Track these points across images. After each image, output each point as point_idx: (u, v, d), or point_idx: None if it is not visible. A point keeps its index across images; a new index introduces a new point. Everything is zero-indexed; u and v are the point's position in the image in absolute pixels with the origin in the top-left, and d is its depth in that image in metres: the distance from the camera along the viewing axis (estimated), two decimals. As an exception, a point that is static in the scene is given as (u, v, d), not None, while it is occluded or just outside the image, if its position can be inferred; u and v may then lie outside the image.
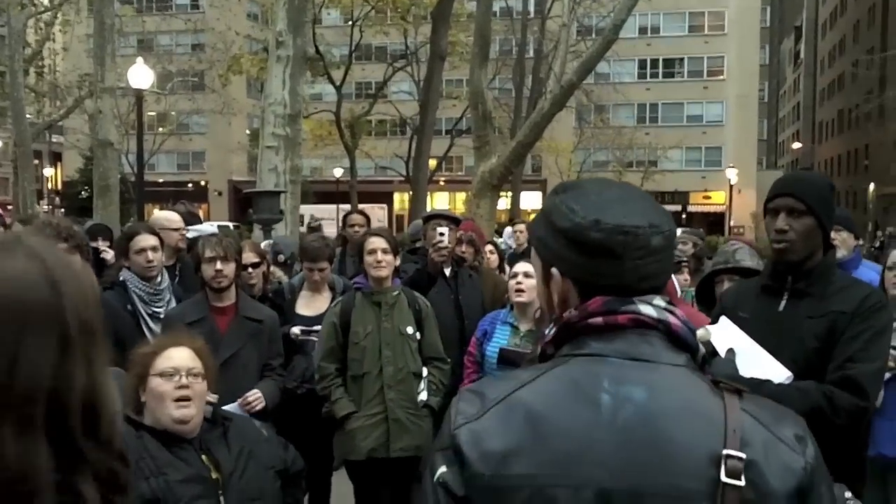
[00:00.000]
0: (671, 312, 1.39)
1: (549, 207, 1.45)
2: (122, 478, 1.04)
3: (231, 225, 34.97)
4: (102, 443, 1.02)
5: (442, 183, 47.51)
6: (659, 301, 1.39)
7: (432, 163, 34.20)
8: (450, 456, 1.33)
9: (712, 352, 2.57)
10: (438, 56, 25.21)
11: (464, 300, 5.26)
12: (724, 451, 1.25)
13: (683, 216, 46.07)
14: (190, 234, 5.75)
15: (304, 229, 14.72)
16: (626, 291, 1.37)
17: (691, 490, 1.25)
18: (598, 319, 1.36)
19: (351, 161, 35.56)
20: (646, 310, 1.37)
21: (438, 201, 48.90)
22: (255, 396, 4.13)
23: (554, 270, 1.42)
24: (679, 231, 5.10)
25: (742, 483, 1.24)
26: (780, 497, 1.26)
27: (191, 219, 7.34)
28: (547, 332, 1.44)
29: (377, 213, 35.89)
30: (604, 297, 1.37)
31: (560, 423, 1.29)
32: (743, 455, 1.25)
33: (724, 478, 1.24)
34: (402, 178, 32.86)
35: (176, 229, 5.40)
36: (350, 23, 33.64)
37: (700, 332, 1.43)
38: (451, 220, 5.54)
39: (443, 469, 1.33)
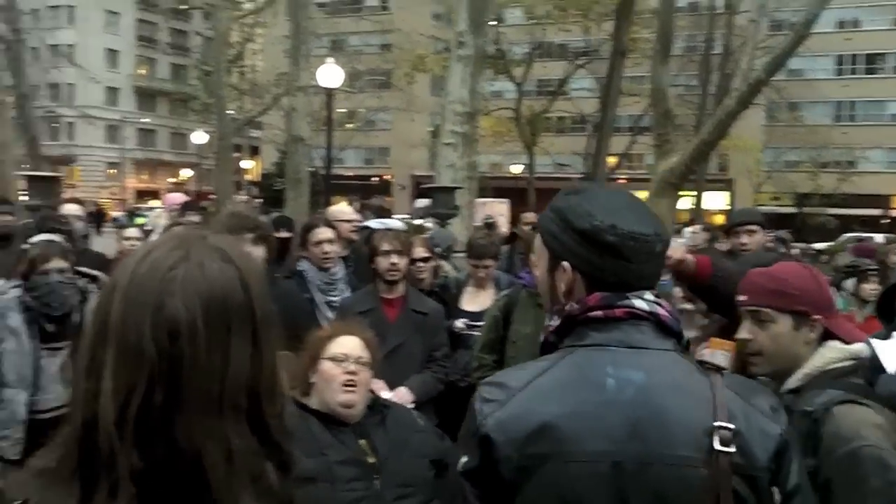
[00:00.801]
0: (659, 305, 1.60)
1: (563, 207, 1.65)
2: (292, 457, 1.15)
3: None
4: (280, 423, 1.12)
5: (622, 181, 46.81)
6: (649, 296, 1.60)
7: (612, 160, 33.75)
8: (473, 445, 1.51)
9: (878, 367, 2.47)
10: (620, 52, 24.85)
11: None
12: (715, 423, 1.47)
13: (884, 221, 43.23)
14: (379, 227, 6.00)
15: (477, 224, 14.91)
16: (625, 288, 1.59)
17: (690, 457, 1.46)
18: (599, 313, 1.57)
19: (530, 158, 35.62)
20: (639, 303, 1.58)
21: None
22: (401, 396, 4.16)
23: (565, 263, 1.62)
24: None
25: (732, 449, 1.46)
26: (762, 459, 1.49)
27: (381, 213, 7.66)
28: (550, 322, 1.66)
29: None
30: (601, 293, 1.58)
31: (574, 406, 1.49)
32: (731, 426, 1.47)
33: (717, 446, 1.45)
34: (581, 176, 32.67)
35: (349, 221, 5.67)
36: (532, 21, 33.71)
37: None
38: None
39: (465, 459, 1.52)
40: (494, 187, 37.77)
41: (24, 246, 4.20)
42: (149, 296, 1.04)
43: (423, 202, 11.34)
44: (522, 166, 41.14)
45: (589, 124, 37.11)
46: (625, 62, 25.66)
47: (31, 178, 14.15)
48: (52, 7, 59.99)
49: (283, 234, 6.02)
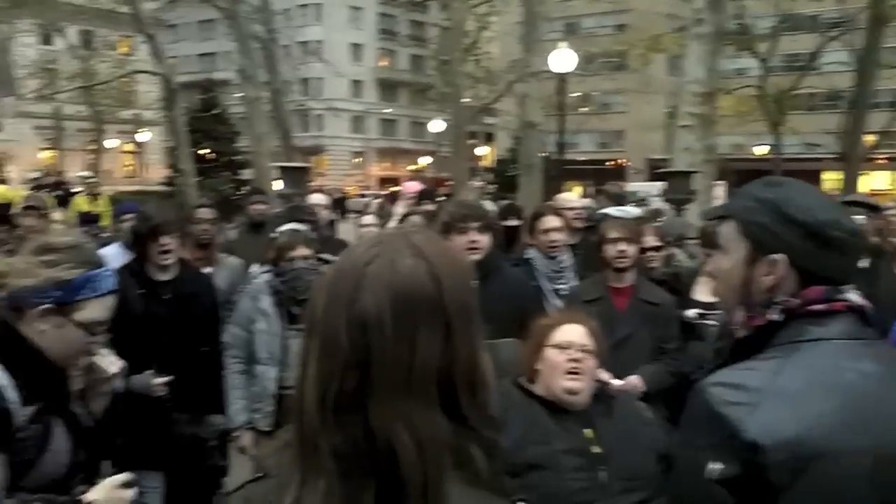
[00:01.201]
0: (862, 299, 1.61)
1: (776, 199, 1.63)
2: (497, 444, 1.17)
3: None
4: (481, 411, 1.16)
5: (882, 160, 43.32)
6: (853, 289, 1.62)
7: (869, 139, 31.32)
8: (733, 452, 1.47)
9: None
10: (879, 21, 22.96)
11: (884, 293, 4.84)
12: None
13: None
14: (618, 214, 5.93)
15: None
16: (835, 282, 1.60)
17: None
18: (821, 306, 1.57)
19: (776, 138, 33.79)
20: (852, 297, 1.59)
21: (876, 181, 44.69)
22: (632, 385, 4.15)
23: (777, 256, 1.60)
24: None
25: None
26: None
27: (620, 200, 7.57)
28: (740, 314, 1.62)
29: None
30: (820, 287, 1.58)
31: (831, 403, 1.49)
32: None
33: None
34: (835, 156, 30.59)
35: (575, 209, 5.64)
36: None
37: None
38: (870, 207, 5.12)
39: (721, 466, 1.48)
40: (736, 170, 36.21)
41: (273, 235, 4.53)
42: (345, 291, 1.13)
43: (652, 186, 11.08)
44: (767, 147, 39.10)
45: (843, 101, 34.61)
46: (884, 31, 23.70)
47: (284, 169, 15.18)
48: (301, 6, 63.91)
49: (512, 223, 6.09)
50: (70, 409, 2.35)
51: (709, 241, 4.90)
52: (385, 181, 67.44)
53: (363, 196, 34.59)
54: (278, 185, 17.58)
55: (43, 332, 2.20)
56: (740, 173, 36.78)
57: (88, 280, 2.25)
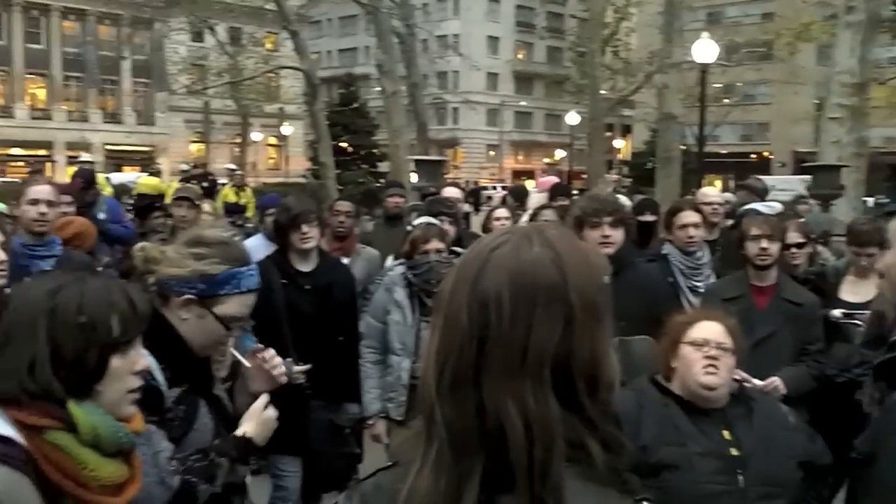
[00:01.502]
0: None
1: None
2: (618, 439, 1.17)
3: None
4: (601, 406, 1.16)
5: None
6: None
7: None
8: None
9: None
10: None
11: None
12: None
13: None
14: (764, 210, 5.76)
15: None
16: None
17: None
18: None
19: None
20: None
21: None
22: (773, 387, 4.03)
23: None
24: None
25: None
26: None
27: (762, 195, 7.32)
28: None
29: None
30: None
31: None
32: None
33: None
34: None
35: (715, 204, 5.50)
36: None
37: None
38: None
39: None
40: (890, 164, 34.35)
41: (408, 228, 4.61)
42: (470, 272, 1.17)
43: (796, 180, 10.65)
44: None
45: None
46: None
47: (419, 162, 15.40)
48: (440, 0, 64.55)
49: (648, 218, 5.98)
50: (213, 392, 2.46)
51: (857, 239, 4.68)
52: (519, 174, 67.38)
53: (485, 189, 34.66)
54: (414, 178, 17.86)
55: (185, 320, 2.31)
56: (894, 168, 34.96)
57: (232, 277, 2.34)
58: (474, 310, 1.14)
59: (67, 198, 5.75)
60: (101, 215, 7.14)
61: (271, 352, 2.54)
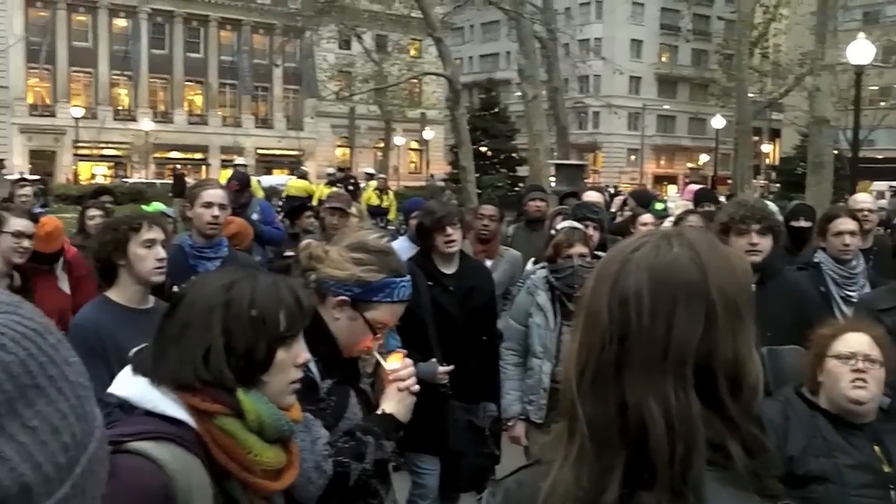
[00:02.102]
0: None
1: None
2: (761, 442, 1.17)
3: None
4: (743, 408, 1.17)
5: None
6: None
7: None
8: None
9: None
10: None
11: None
12: None
13: None
14: None
15: None
16: None
17: None
18: None
19: None
20: None
21: None
22: None
23: None
24: None
25: None
26: None
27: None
28: None
29: None
30: None
31: None
32: None
33: None
34: None
35: (867, 210, 5.29)
36: None
37: None
38: None
39: None
40: None
41: (551, 232, 4.64)
42: (611, 272, 1.20)
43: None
44: None
45: None
46: None
47: (559, 166, 15.38)
48: (583, 4, 64.09)
49: (802, 224, 5.80)
50: (360, 386, 2.58)
51: None
52: (661, 179, 66.12)
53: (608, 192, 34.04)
54: (552, 182, 17.84)
55: (337, 319, 2.44)
56: None
57: (387, 286, 2.45)
58: (615, 308, 1.17)
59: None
60: (255, 216, 7.43)
61: (408, 370, 2.55)
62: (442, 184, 11.78)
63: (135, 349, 1.84)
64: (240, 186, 7.90)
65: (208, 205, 4.38)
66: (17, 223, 4.30)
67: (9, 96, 46.99)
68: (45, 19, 47.49)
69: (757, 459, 1.15)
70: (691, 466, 1.10)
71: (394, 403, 2.44)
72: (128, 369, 1.77)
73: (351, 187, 17.47)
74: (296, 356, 1.85)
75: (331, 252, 2.47)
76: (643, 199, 8.89)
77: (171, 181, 34.21)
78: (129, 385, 1.72)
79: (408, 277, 2.55)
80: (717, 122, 42.54)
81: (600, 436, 1.14)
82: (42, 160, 48.04)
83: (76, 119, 45.15)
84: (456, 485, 4.64)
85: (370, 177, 21.60)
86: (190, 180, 37.94)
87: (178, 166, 36.02)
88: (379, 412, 2.44)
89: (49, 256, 4.81)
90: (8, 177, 27.00)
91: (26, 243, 4.30)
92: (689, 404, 1.12)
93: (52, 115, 49.19)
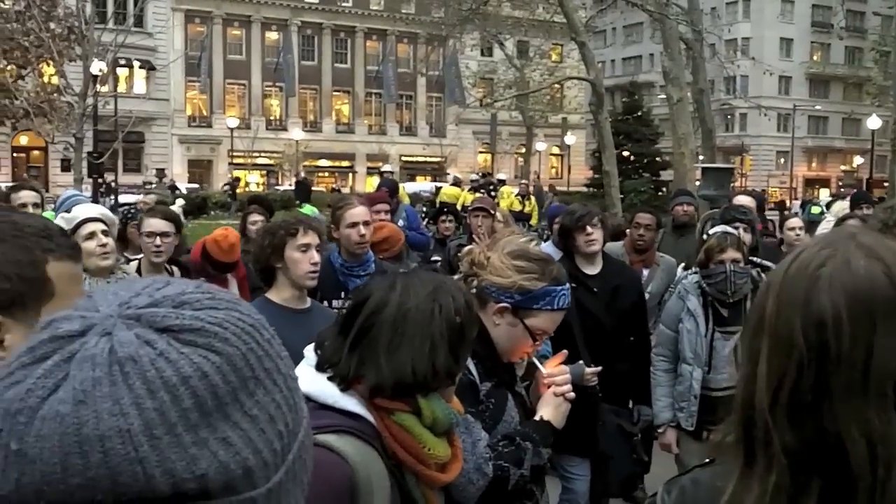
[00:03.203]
0: None
1: None
2: None
3: None
4: None
5: None
6: None
7: None
8: None
9: None
10: None
11: None
12: None
13: None
14: None
15: None
16: None
17: None
18: None
19: None
20: None
21: None
22: None
23: None
24: None
25: None
26: None
27: None
28: None
29: None
30: None
31: None
32: None
33: None
34: None
35: None
36: None
37: None
38: None
39: None
40: None
41: (703, 237, 4.60)
42: (798, 293, 1.14)
43: None
44: None
45: None
46: None
47: (706, 170, 15.06)
48: (730, 3, 62.30)
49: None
50: (516, 389, 2.64)
51: None
52: (812, 182, 63.43)
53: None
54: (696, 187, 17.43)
55: (497, 325, 2.49)
56: None
57: (548, 294, 2.49)
58: (810, 332, 1.12)
59: (384, 206, 6.20)
60: (401, 222, 7.57)
61: (564, 376, 2.61)
62: (392, 177, 11.60)
63: (308, 348, 1.94)
64: (389, 193, 8.14)
65: (353, 224, 4.39)
66: (152, 224, 4.63)
67: (170, 109, 49.68)
68: (203, 34, 49.93)
69: None
70: (891, 489, 1.07)
71: (551, 410, 2.48)
72: (304, 365, 1.87)
73: (493, 193, 17.70)
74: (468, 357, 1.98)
75: (492, 259, 2.53)
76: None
77: (320, 189, 35.47)
78: (310, 381, 1.80)
79: (568, 286, 2.58)
80: (873, 122, 40.44)
81: (795, 459, 1.12)
82: (199, 169, 50.57)
83: (231, 129, 47.13)
84: (604, 489, 4.60)
85: (502, 183, 21.78)
86: (323, 188, 39.19)
87: (303, 174, 37.14)
88: (537, 418, 2.48)
89: (228, 265, 5.10)
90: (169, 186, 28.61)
91: (158, 241, 4.58)
92: (891, 425, 1.08)
93: (209, 125, 51.60)
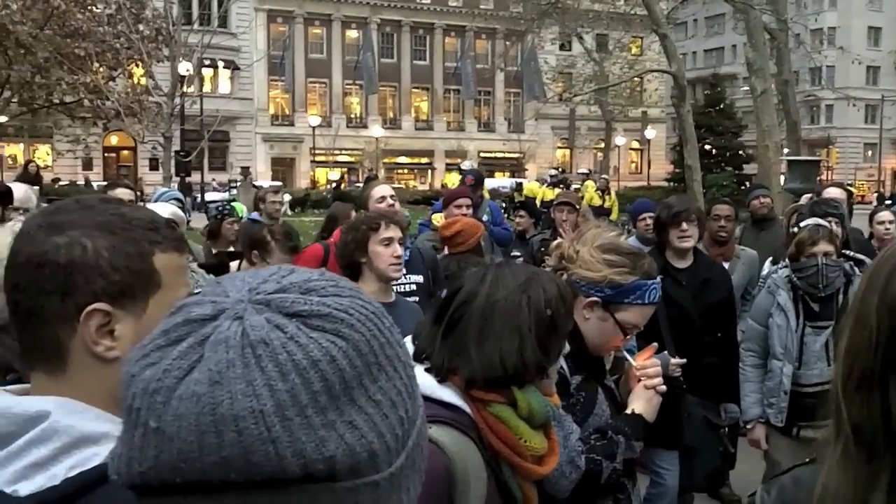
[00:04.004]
0: None
1: None
2: None
3: None
4: None
5: None
6: None
7: None
8: None
9: None
10: None
11: None
12: None
13: None
14: None
15: None
16: None
17: None
18: None
19: None
20: None
21: None
22: None
23: None
24: None
25: None
26: None
27: None
28: None
29: None
30: None
31: None
32: None
33: None
34: None
35: None
36: None
37: None
38: None
39: None
40: None
41: (794, 229, 4.50)
42: (882, 275, 1.17)
43: None
44: None
45: None
46: None
47: (792, 163, 14.72)
48: (817, -8, 60.72)
49: None
50: (606, 383, 2.63)
51: None
52: (902, 175, 61.27)
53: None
54: (783, 180, 17.05)
55: (587, 319, 2.49)
56: None
57: (639, 288, 2.49)
58: (883, 314, 1.14)
59: (466, 201, 6.21)
60: (485, 217, 7.55)
61: (655, 369, 2.60)
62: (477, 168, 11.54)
63: (406, 339, 1.92)
64: (475, 183, 8.10)
65: (381, 199, 4.71)
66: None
67: (253, 108, 50.66)
68: (285, 34, 50.79)
69: None
70: None
71: (642, 403, 2.47)
72: None
73: (562, 188, 17.65)
74: (565, 348, 1.97)
75: (582, 253, 2.52)
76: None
77: (401, 185, 35.73)
78: None
79: (658, 280, 2.57)
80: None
81: (865, 439, 1.13)
82: (282, 167, 51.50)
83: (313, 127, 47.85)
84: (690, 483, 4.56)
85: (586, 176, 21.64)
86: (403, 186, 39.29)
87: (377, 171, 37.68)
88: (628, 411, 2.47)
89: None
90: (254, 184, 29.17)
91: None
92: None
93: (291, 124, 52.53)
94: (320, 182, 48.38)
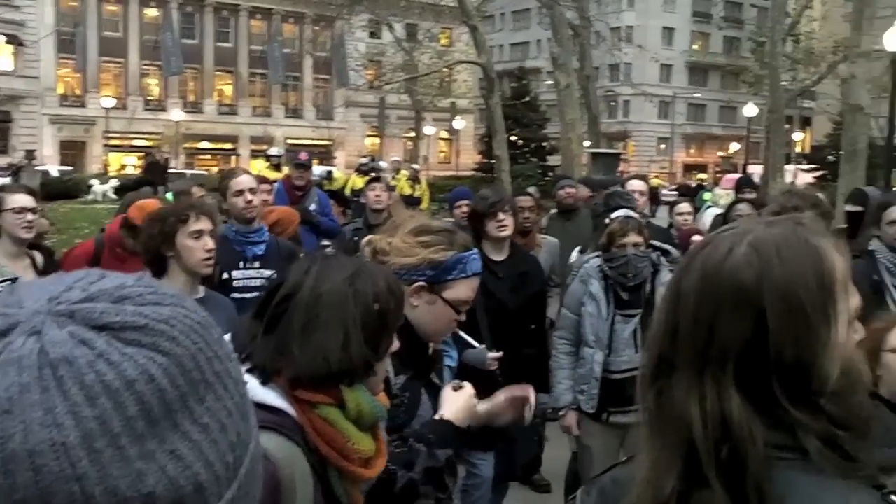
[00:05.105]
0: None
1: None
2: (844, 441, 1.12)
3: None
4: (813, 408, 1.12)
5: None
6: None
7: None
8: None
9: None
10: None
11: None
12: None
13: None
14: None
15: None
16: None
17: None
18: None
19: None
20: None
21: None
22: None
23: None
24: None
25: None
26: None
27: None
28: None
29: None
30: None
31: None
32: None
33: None
34: None
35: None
36: None
37: None
38: None
39: None
40: None
41: (605, 220, 4.62)
42: (679, 269, 1.23)
43: None
44: None
45: None
46: None
47: (595, 155, 15.34)
48: (615, -9, 63.84)
49: (854, 209, 5.75)
50: (431, 380, 2.54)
51: None
52: (690, 168, 65.70)
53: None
54: (584, 172, 17.75)
55: (415, 307, 2.39)
56: None
57: (459, 262, 2.43)
58: (671, 306, 1.19)
59: (267, 186, 6.03)
60: (312, 206, 7.30)
61: (530, 395, 2.58)
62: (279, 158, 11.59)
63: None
64: (308, 161, 7.76)
65: (239, 192, 4.55)
66: (18, 199, 4.21)
67: (40, 87, 47.47)
68: (76, 10, 47.87)
69: (845, 449, 1.11)
70: (745, 466, 1.08)
71: (451, 407, 2.34)
72: None
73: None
74: (392, 347, 1.87)
75: (394, 242, 2.45)
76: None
77: (202, 171, 34.30)
78: None
79: (476, 251, 2.53)
80: (749, 110, 42.18)
81: (657, 429, 1.16)
82: (72, 150, 48.51)
83: (106, 109, 45.55)
84: (508, 472, 4.63)
85: (399, 165, 21.69)
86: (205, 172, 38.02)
87: (148, 152, 35.35)
88: (437, 416, 2.34)
89: None
90: (39, 168, 27.27)
91: (30, 217, 4.20)
92: (729, 401, 1.11)
93: (83, 105, 49.63)
94: (112, 167, 45.99)
